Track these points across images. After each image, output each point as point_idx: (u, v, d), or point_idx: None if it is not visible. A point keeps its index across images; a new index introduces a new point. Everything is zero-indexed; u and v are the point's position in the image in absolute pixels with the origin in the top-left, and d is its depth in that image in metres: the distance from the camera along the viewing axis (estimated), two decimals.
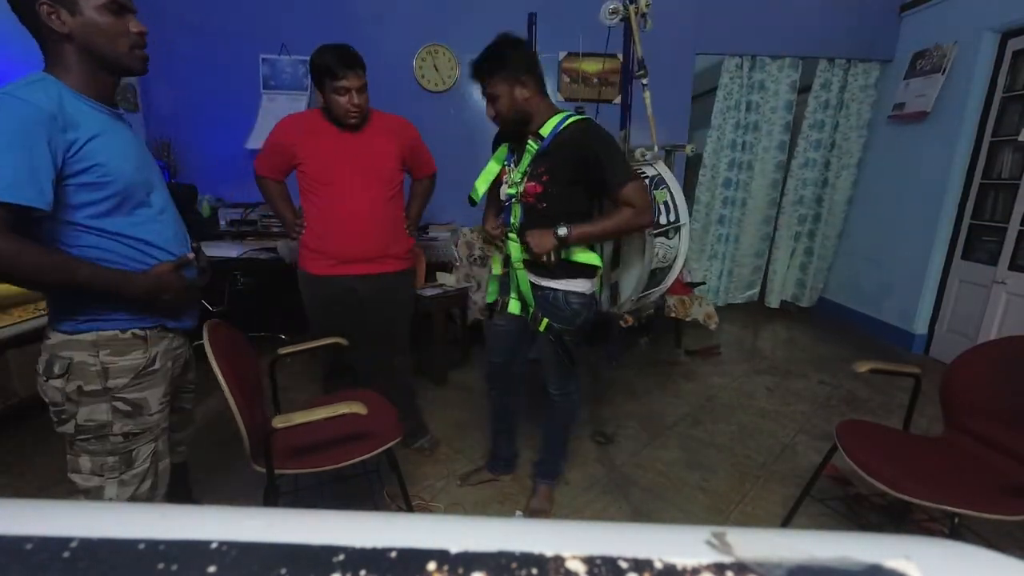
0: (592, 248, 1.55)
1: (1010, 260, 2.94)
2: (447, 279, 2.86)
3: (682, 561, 0.20)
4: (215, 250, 2.81)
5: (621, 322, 1.60)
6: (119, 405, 1.08)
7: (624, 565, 0.20)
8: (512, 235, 1.56)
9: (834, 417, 2.53)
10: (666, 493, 1.96)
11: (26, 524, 0.21)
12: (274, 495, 1.37)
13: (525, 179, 1.49)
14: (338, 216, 1.82)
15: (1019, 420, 1.48)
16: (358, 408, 1.31)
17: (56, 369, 1.05)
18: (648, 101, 1.50)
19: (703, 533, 0.22)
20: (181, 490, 1.46)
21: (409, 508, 1.69)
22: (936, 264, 3.41)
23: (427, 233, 3.35)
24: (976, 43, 3.08)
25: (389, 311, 2.01)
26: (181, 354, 1.25)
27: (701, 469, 2.11)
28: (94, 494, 1.10)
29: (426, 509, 1.83)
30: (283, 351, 1.69)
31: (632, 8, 1.43)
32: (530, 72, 1.42)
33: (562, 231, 1.41)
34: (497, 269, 1.72)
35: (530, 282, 1.58)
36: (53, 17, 0.95)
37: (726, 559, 0.20)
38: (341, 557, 0.20)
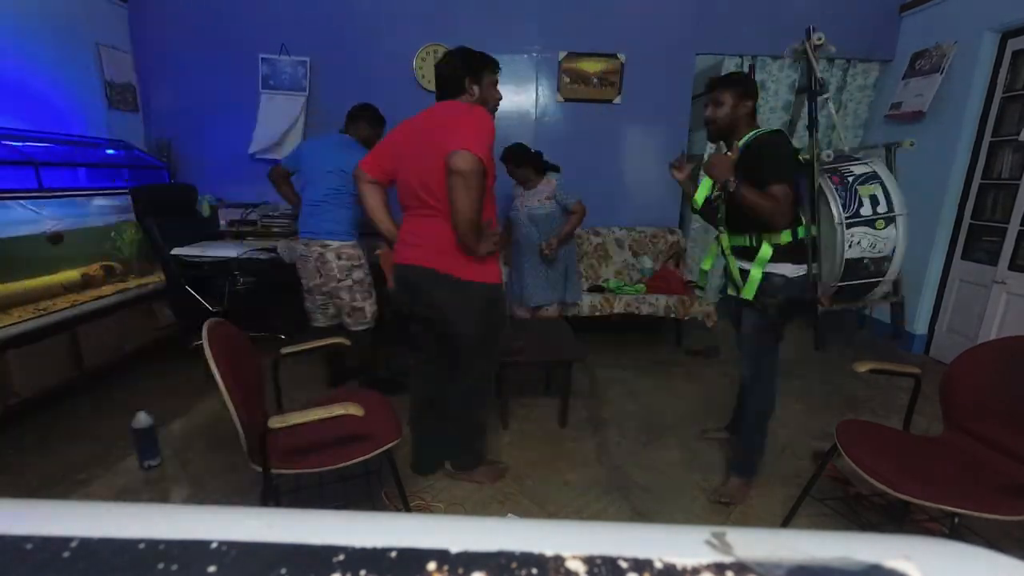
0: (794, 234, 1.73)
1: (1010, 260, 2.94)
2: None
3: (682, 561, 0.20)
4: (215, 250, 2.81)
5: (819, 305, 1.76)
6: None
7: (624, 565, 0.20)
8: (723, 228, 1.87)
9: (834, 417, 2.53)
10: (666, 493, 1.96)
11: (26, 524, 0.21)
12: (271, 495, 1.37)
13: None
14: None
15: (1019, 420, 1.48)
16: (355, 409, 1.31)
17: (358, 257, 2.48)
18: (834, 111, 1.86)
19: (703, 533, 0.22)
20: None
21: (407, 510, 1.68)
22: (936, 264, 3.40)
23: None
24: (976, 43, 3.08)
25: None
26: None
27: (701, 469, 2.11)
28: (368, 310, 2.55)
29: (426, 509, 1.83)
30: (285, 351, 1.69)
31: (808, 44, 1.70)
32: (752, 99, 1.79)
33: (734, 179, 1.67)
34: (707, 264, 2.04)
35: (739, 268, 1.83)
36: None
37: (726, 559, 0.20)
38: (341, 557, 0.20)
